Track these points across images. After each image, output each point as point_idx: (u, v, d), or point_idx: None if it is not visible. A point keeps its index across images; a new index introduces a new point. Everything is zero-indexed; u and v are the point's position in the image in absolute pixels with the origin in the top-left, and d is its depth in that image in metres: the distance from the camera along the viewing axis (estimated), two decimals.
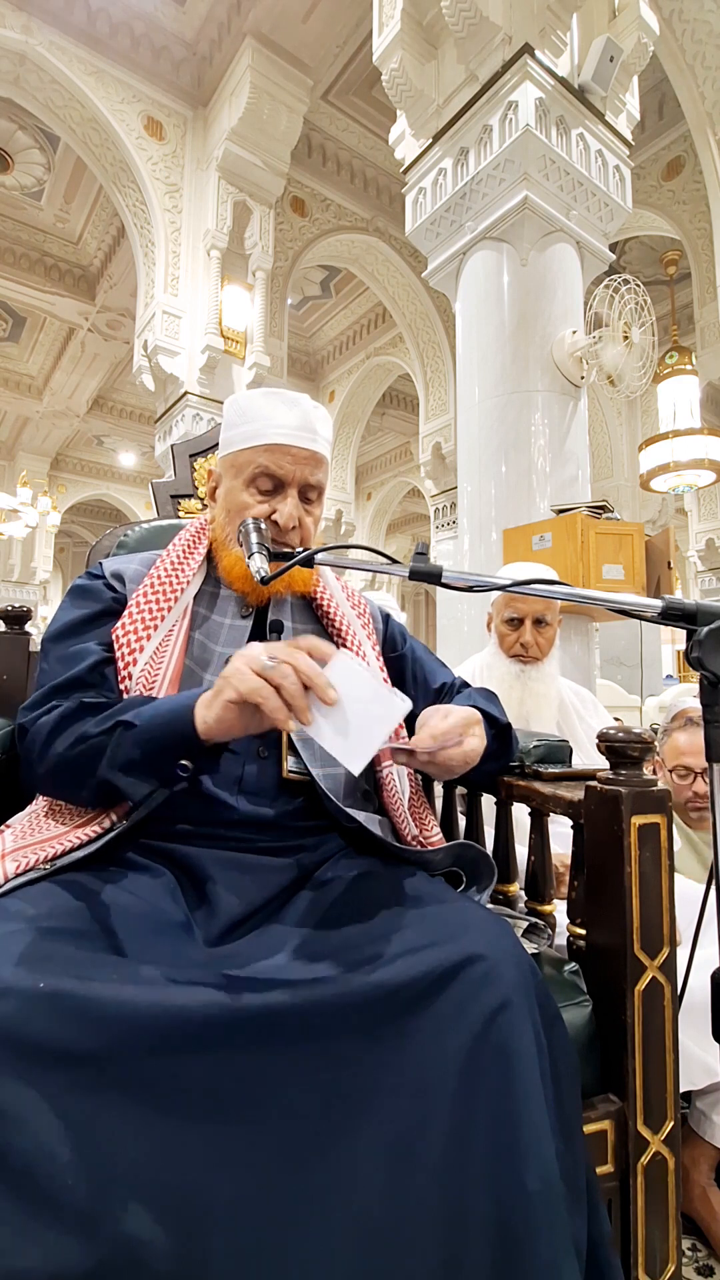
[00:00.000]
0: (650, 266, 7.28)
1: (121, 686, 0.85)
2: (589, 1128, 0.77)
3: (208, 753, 0.74)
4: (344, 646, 0.99)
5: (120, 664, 0.85)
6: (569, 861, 0.97)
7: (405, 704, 0.68)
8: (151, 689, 0.82)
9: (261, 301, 5.61)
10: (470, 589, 0.79)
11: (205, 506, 1.41)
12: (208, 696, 0.72)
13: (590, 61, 3.42)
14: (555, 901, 1.03)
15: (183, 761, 0.74)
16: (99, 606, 0.91)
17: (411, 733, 0.93)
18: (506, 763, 1.04)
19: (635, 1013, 0.81)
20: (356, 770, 0.67)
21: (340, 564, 0.88)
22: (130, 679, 0.84)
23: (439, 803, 1.26)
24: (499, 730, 0.97)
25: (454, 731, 0.82)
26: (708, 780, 0.64)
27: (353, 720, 0.67)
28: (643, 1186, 0.80)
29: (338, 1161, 0.53)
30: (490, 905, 0.96)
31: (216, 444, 1.41)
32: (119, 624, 0.88)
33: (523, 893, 1.04)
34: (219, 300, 5.39)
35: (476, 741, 0.85)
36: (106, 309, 8.18)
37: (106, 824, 0.78)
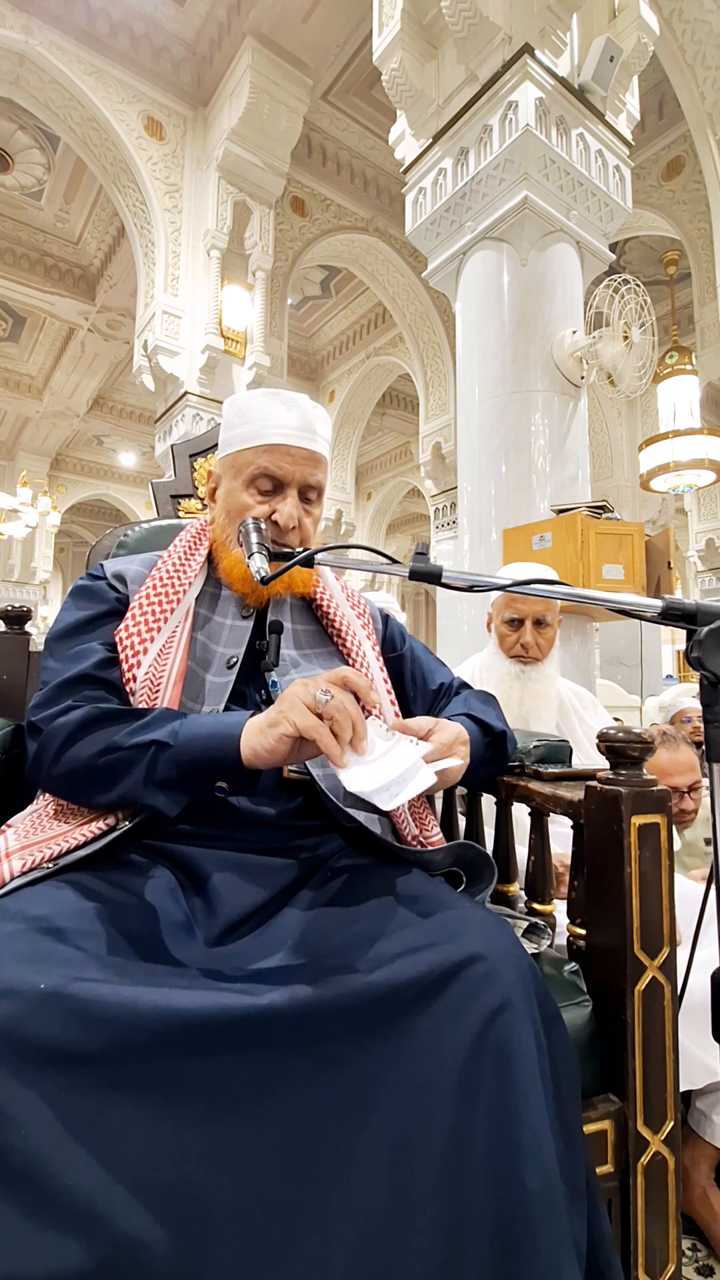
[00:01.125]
0: (650, 266, 7.28)
1: (126, 689, 0.85)
2: (589, 1128, 0.77)
3: (246, 775, 0.74)
4: (343, 647, 0.99)
5: (124, 665, 0.85)
6: (569, 861, 0.97)
7: (420, 747, 0.78)
8: (156, 691, 0.82)
9: (261, 301, 5.61)
10: (470, 589, 0.79)
11: (205, 507, 1.41)
12: (260, 723, 0.72)
13: (590, 61, 3.41)
14: (555, 901, 1.03)
15: (220, 784, 0.74)
16: (103, 607, 0.91)
17: None
18: (501, 766, 1.04)
19: (635, 1013, 0.81)
20: (389, 808, 0.71)
21: (340, 564, 0.88)
22: (135, 681, 0.84)
23: (439, 803, 1.26)
24: (494, 738, 0.98)
25: (437, 753, 0.83)
26: (709, 783, 0.64)
27: (383, 766, 0.72)
28: (643, 1186, 0.80)
29: (338, 1161, 0.53)
30: (490, 905, 0.96)
31: (216, 444, 1.42)
32: (122, 626, 0.88)
33: (523, 893, 1.04)
34: (219, 300, 5.39)
35: (458, 761, 0.85)
36: (106, 309, 8.18)
37: (109, 823, 0.78)
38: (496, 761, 1.01)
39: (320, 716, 0.70)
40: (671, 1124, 0.82)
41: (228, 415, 0.97)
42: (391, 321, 7.71)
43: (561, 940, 0.98)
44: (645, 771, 0.88)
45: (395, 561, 0.81)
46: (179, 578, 0.93)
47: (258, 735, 0.72)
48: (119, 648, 0.87)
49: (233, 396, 0.99)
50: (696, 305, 5.82)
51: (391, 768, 0.72)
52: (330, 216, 6.48)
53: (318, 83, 5.43)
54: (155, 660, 0.84)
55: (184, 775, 0.74)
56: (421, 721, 0.87)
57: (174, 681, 0.83)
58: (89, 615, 0.91)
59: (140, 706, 0.83)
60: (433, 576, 0.78)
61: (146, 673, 0.83)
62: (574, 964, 0.90)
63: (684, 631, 0.62)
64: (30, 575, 10.60)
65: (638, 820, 0.83)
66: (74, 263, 7.91)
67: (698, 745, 3.25)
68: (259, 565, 0.81)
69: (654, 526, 7.70)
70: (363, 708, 0.74)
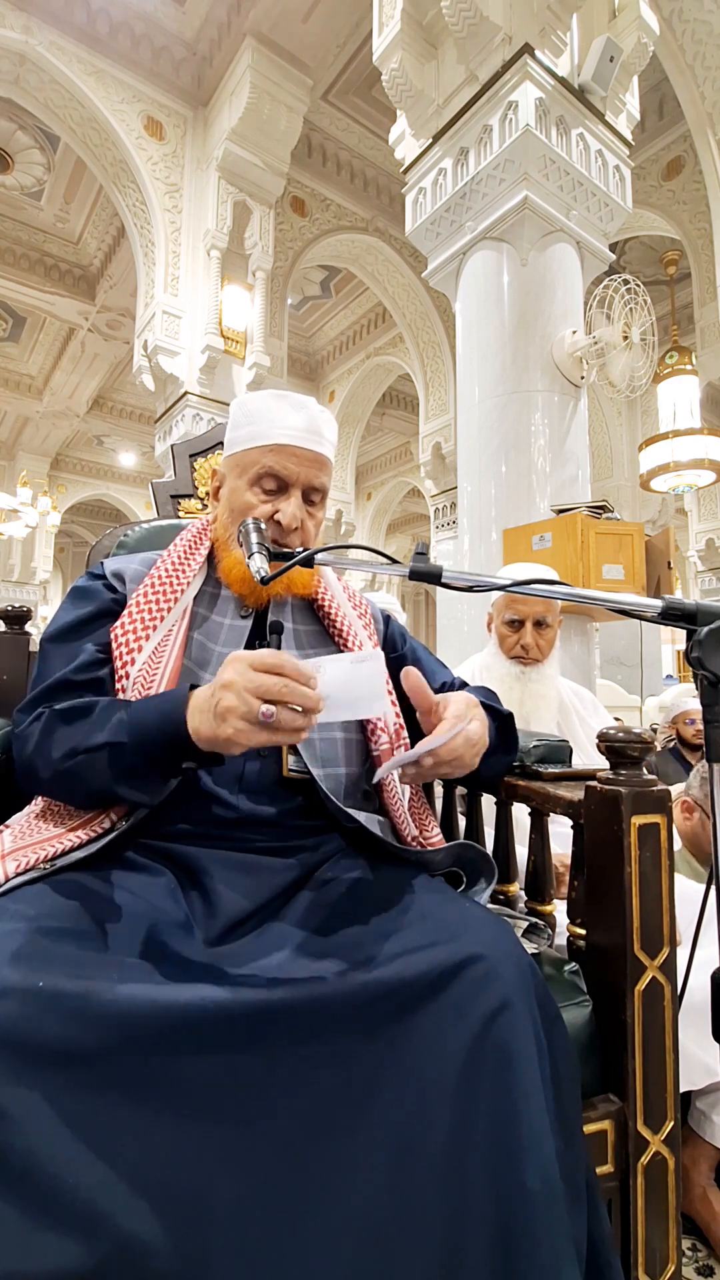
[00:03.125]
0: (650, 266, 7.28)
1: (118, 686, 0.84)
2: (589, 1128, 0.77)
3: (208, 753, 0.73)
4: (345, 648, 0.98)
5: (118, 663, 0.85)
6: (569, 861, 0.97)
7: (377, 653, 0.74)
8: (149, 690, 0.82)
9: (261, 301, 5.61)
10: (470, 589, 0.79)
11: (205, 506, 1.41)
12: (208, 725, 0.68)
13: (590, 61, 3.41)
14: (555, 901, 1.03)
15: (185, 764, 0.74)
16: (98, 607, 0.91)
17: (412, 731, 0.93)
18: (512, 755, 1.03)
19: (635, 1013, 0.81)
20: (378, 712, 0.71)
21: (340, 564, 0.88)
22: (128, 679, 0.84)
23: (439, 803, 1.26)
24: (501, 722, 0.96)
25: (458, 719, 0.79)
26: (708, 780, 0.64)
27: (352, 692, 0.70)
28: (643, 1186, 0.80)
29: (338, 1161, 0.53)
30: (490, 905, 0.96)
31: (216, 444, 1.42)
32: (118, 624, 0.88)
33: (523, 893, 1.04)
34: (219, 300, 5.39)
35: (479, 725, 0.82)
36: (106, 309, 8.18)
37: (106, 824, 0.78)
38: (508, 747, 0.99)
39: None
40: (671, 1124, 0.82)
41: (235, 414, 0.97)
42: (391, 321, 7.71)
43: (561, 940, 0.98)
44: (645, 771, 0.88)
45: (395, 561, 0.81)
46: (178, 577, 0.93)
47: (212, 741, 0.68)
48: (114, 645, 0.86)
49: (241, 396, 0.98)
50: (696, 305, 5.82)
51: (354, 689, 0.71)
52: (330, 216, 6.48)
53: (318, 83, 5.43)
54: (149, 659, 0.84)
55: (148, 765, 0.73)
56: (427, 699, 0.83)
57: (168, 680, 0.83)
58: (83, 615, 0.91)
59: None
60: (433, 576, 0.78)
61: (140, 671, 0.83)
62: (574, 964, 0.90)
63: (684, 631, 0.62)
64: (30, 575, 10.60)
65: (638, 820, 0.83)
66: (74, 263, 7.91)
67: (698, 748, 3.23)
68: (259, 565, 0.80)
69: (654, 526, 7.70)
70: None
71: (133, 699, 0.82)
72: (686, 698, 3.49)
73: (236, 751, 0.68)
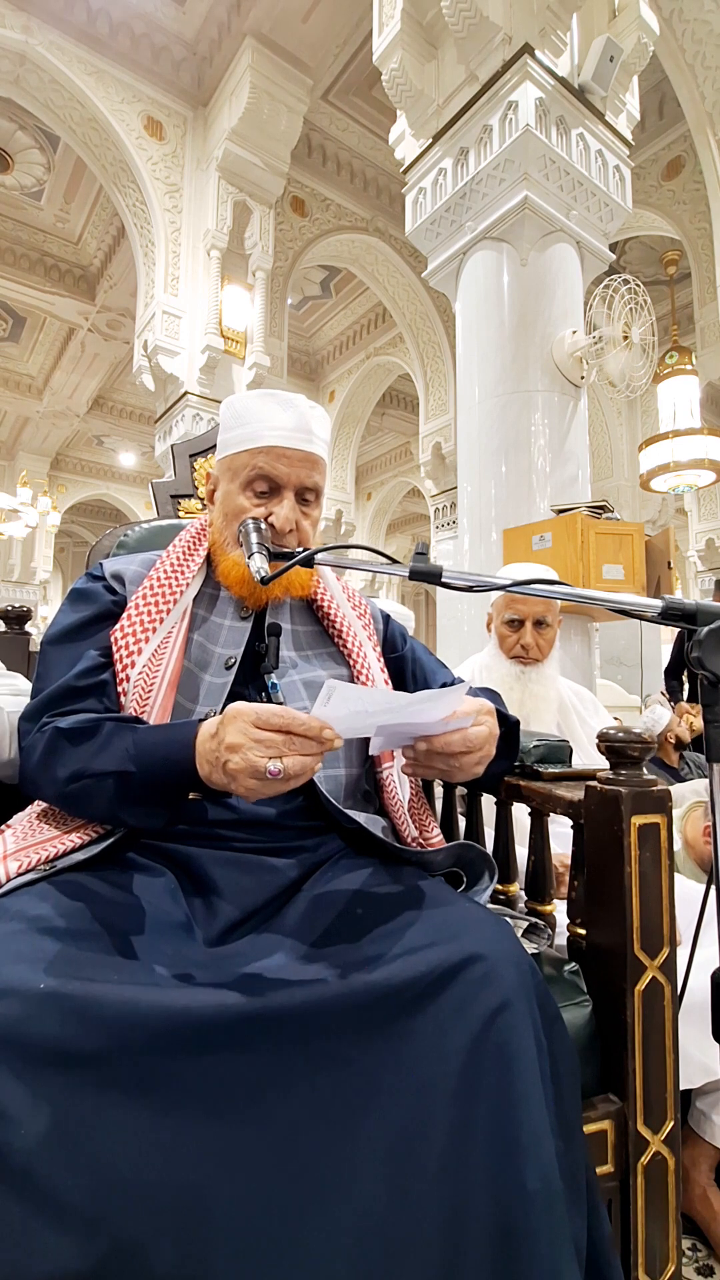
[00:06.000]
0: (650, 266, 7.28)
1: (120, 689, 0.85)
2: (589, 1128, 0.77)
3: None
4: (344, 648, 0.98)
5: (118, 665, 0.85)
6: (569, 861, 0.97)
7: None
8: (149, 692, 0.82)
9: (261, 301, 5.61)
10: (470, 589, 0.79)
11: (205, 507, 1.41)
12: (219, 778, 0.68)
13: (590, 61, 3.41)
14: (555, 901, 1.03)
15: (191, 795, 0.75)
16: (97, 610, 0.91)
17: None
18: (511, 760, 1.03)
19: (635, 1013, 0.81)
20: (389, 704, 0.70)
21: (340, 564, 0.88)
22: (128, 680, 0.84)
23: (439, 804, 1.26)
24: (508, 729, 0.96)
25: (463, 716, 0.77)
26: (708, 780, 0.64)
27: (347, 711, 0.67)
28: (643, 1186, 0.80)
29: (338, 1161, 0.53)
30: (490, 905, 0.96)
31: (216, 445, 1.42)
32: (118, 626, 0.88)
33: (523, 893, 1.04)
34: (219, 300, 5.39)
35: (484, 731, 0.79)
36: (106, 309, 8.18)
37: (107, 826, 0.78)
38: (510, 754, 0.98)
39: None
40: (671, 1124, 0.82)
41: (224, 417, 0.97)
42: (391, 321, 7.71)
43: (561, 940, 0.98)
44: (645, 771, 0.88)
45: (395, 561, 0.81)
46: (177, 578, 0.92)
47: (224, 790, 0.69)
48: (114, 648, 0.86)
49: (230, 398, 0.98)
50: (696, 305, 5.81)
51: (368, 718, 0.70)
52: (330, 216, 6.48)
53: (318, 83, 5.43)
54: (150, 661, 0.84)
55: (152, 795, 0.74)
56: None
57: (169, 682, 0.83)
58: (83, 618, 0.91)
59: (131, 708, 0.83)
60: (433, 576, 0.78)
61: (140, 673, 0.83)
62: (574, 964, 0.90)
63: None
64: (30, 575, 10.60)
65: (638, 820, 0.83)
66: (74, 263, 7.90)
67: (677, 746, 3.15)
68: (259, 565, 0.80)
69: (654, 526, 7.71)
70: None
71: (134, 708, 0.82)
72: (657, 715, 3.34)
73: (239, 794, 0.68)
